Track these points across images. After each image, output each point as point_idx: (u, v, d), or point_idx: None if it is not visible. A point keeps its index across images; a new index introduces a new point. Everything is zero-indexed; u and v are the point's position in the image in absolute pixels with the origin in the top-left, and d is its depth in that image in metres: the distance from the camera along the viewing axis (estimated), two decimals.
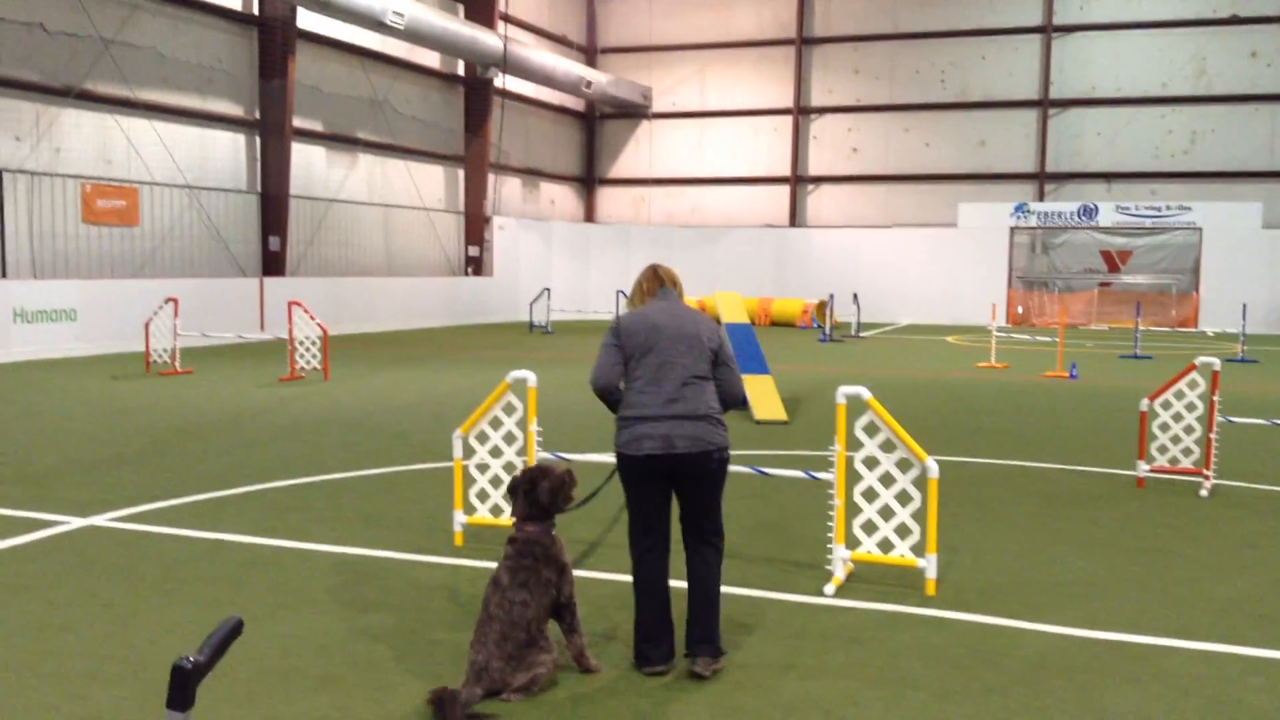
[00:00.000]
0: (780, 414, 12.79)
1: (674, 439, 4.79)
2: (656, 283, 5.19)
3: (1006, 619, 5.71)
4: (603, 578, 6.29)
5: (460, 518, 7.17)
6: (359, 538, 7.23)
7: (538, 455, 7.25)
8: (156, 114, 23.31)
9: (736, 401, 5.10)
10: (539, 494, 4.82)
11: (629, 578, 5.15)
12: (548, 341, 25.67)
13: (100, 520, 7.59)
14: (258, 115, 25.90)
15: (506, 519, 7.02)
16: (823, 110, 38.92)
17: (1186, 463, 9.47)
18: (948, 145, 37.55)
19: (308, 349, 17.02)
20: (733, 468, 7.03)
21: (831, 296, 28.49)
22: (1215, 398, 9.15)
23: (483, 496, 7.78)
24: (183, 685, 1.78)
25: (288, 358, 16.78)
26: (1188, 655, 5.22)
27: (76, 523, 7.51)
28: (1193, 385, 9.32)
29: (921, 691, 4.72)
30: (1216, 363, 9.07)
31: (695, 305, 32.91)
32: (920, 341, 27.51)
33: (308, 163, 27.64)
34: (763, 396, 13.11)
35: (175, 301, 17.26)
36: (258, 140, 26.01)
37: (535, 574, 4.69)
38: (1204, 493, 8.98)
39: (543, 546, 4.76)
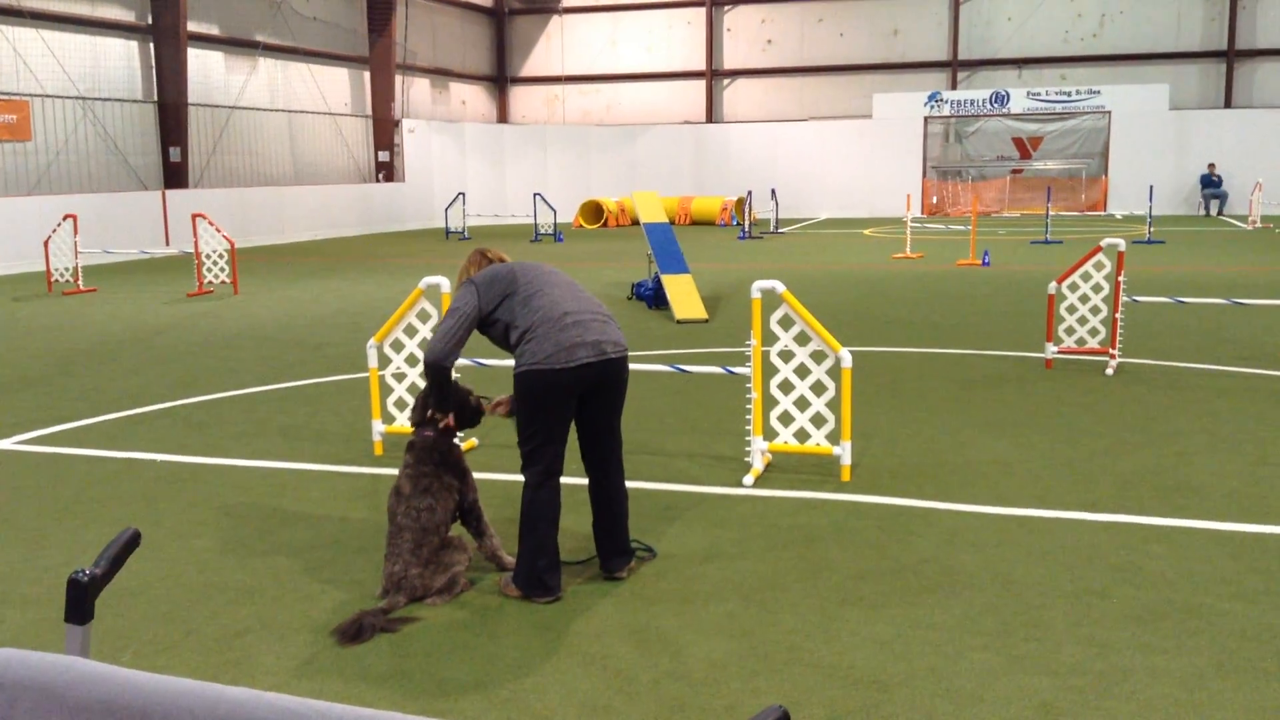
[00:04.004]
0: (700, 313, 12.84)
1: (603, 345, 4.54)
2: (485, 262, 4.90)
3: (919, 500, 5.87)
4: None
5: (379, 427, 7.13)
6: (277, 451, 7.16)
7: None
8: (43, 22, 22.21)
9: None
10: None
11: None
12: (465, 248, 25.37)
13: (7, 444, 7.40)
14: (150, 20, 24.83)
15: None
16: (736, 1, 38.40)
17: (1093, 343, 9.72)
18: (861, 35, 37.36)
19: (215, 263, 16.61)
20: (653, 366, 7.08)
21: (750, 193, 28.47)
22: (1120, 279, 9.37)
23: (401, 405, 7.72)
24: (79, 598, 1.75)
25: (195, 272, 16.38)
26: (1092, 527, 5.41)
27: None
28: (1099, 267, 9.52)
29: (837, 573, 4.85)
30: (1121, 244, 9.26)
31: (615, 207, 32.79)
32: (838, 235, 27.70)
33: (205, 69, 26.64)
34: (683, 296, 13.13)
35: (74, 218, 16.69)
36: (151, 46, 24.96)
37: (437, 479, 4.65)
38: (1110, 371, 9.25)
39: (440, 451, 4.71)
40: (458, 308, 4.65)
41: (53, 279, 16.90)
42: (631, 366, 6.97)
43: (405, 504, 4.60)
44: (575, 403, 4.61)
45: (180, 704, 1.16)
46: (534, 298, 4.61)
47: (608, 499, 4.82)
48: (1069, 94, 34.70)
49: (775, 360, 6.40)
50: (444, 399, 4.73)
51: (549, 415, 4.55)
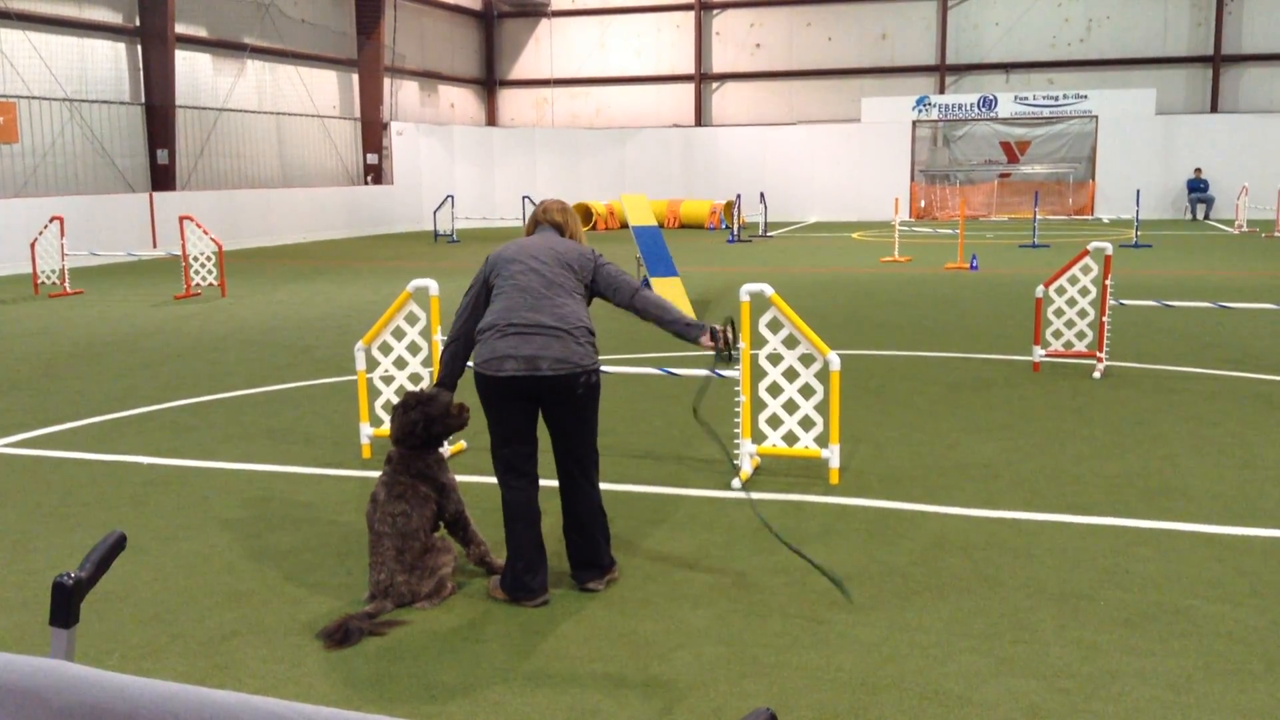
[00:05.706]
0: (689, 316, 12.82)
1: (539, 360, 4.45)
2: (533, 223, 4.98)
3: (907, 503, 5.87)
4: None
5: (366, 430, 7.10)
6: (264, 454, 7.13)
7: None
8: (30, 24, 22.12)
9: (649, 305, 5.01)
10: (412, 420, 4.65)
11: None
12: (453, 250, 25.34)
13: None
14: (138, 22, 24.74)
15: None
16: (725, 5, 38.45)
17: (1080, 346, 9.75)
18: (849, 39, 37.43)
19: (203, 265, 16.56)
20: (642, 369, 7.07)
21: (739, 197, 28.48)
22: (1108, 282, 9.40)
23: (389, 408, 7.71)
24: (64, 601, 1.73)
25: (183, 275, 16.32)
26: (1080, 529, 5.43)
27: None
28: (1086, 270, 9.55)
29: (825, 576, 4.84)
30: (1109, 247, 9.29)
31: (604, 210, 32.79)
32: (826, 239, 27.74)
33: (193, 71, 26.56)
34: (671, 299, 13.12)
35: (61, 220, 16.62)
36: (139, 48, 24.88)
37: (412, 488, 4.60)
38: (1097, 374, 9.27)
39: (418, 467, 4.66)
40: (471, 285, 4.84)
41: (39, 281, 16.82)
42: (621, 370, 6.98)
43: (380, 510, 4.58)
44: (530, 406, 4.61)
45: (166, 708, 1.15)
46: (497, 298, 4.68)
47: (571, 504, 4.76)
48: (1056, 98, 34.81)
49: (764, 363, 6.40)
50: (449, 375, 4.89)
51: (497, 416, 4.62)
